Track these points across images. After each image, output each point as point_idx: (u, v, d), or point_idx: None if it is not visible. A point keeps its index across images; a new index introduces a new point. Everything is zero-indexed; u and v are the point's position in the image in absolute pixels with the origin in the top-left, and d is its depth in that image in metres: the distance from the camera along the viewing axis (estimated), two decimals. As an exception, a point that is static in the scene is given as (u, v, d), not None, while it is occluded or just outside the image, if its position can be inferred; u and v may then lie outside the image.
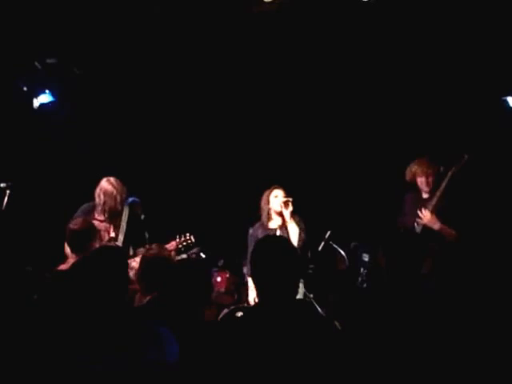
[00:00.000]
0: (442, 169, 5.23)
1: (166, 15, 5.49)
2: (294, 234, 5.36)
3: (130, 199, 5.59)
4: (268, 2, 4.72)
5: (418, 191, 5.35)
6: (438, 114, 6.31)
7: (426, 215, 5.12)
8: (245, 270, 5.95)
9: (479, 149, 5.78)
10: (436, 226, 5.08)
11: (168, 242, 5.36)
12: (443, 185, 5.09)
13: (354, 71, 6.22)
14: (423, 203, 5.23)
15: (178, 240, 5.38)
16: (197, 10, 5.38)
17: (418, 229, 5.16)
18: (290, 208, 5.35)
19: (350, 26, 5.47)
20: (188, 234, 5.43)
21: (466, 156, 5.09)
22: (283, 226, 5.40)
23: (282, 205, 5.37)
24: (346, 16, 5.28)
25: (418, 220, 5.15)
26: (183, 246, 5.40)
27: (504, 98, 6.00)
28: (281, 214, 5.41)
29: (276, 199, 5.42)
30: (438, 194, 5.11)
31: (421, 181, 5.27)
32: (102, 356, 2.65)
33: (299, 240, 5.29)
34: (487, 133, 6.09)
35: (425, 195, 5.30)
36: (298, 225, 5.31)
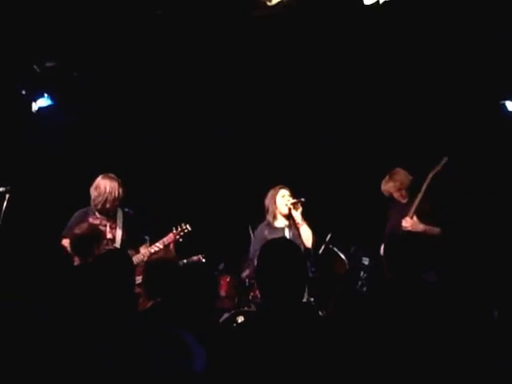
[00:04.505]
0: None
1: (167, 19, 5.48)
2: (307, 236, 5.39)
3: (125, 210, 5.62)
4: (271, 6, 4.72)
5: (396, 200, 5.60)
6: (438, 119, 6.36)
7: (407, 221, 5.25)
8: (244, 274, 5.92)
9: (476, 151, 5.89)
10: (420, 227, 5.22)
11: (166, 235, 5.39)
12: (423, 188, 5.27)
13: (357, 75, 6.25)
14: (403, 208, 5.40)
15: (175, 231, 5.39)
16: (200, 13, 5.38)
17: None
18: (300, 209, 5.36)
19: (352, 30, 5.50)
20: (184, 224, 5.44)
21: (446, 158, 5.26)
22: (291, 226, 5.41)
23: (291, 206, 5.37)
24: (349, 20, 5.31)
25: (404, 227, 5.27)
26: (181, 236, 5.40)
27: (502, 102, 6.04)
28: (287, 215, 5.42)
29: (283, 199, 5.43)
30: (418, 196, 5.28)
31: (397, 195, 5.55)
32: (130, 361, 2.64)
33: (312, 242, 5.33)
34: (486, 136, 6.15)
35: (403, 201, 5.52)
36: (311, 227, 5.34)
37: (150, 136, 7.05)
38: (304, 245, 5.37)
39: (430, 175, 5.26)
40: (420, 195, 5.27)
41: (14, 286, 3.78)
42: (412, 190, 5.46)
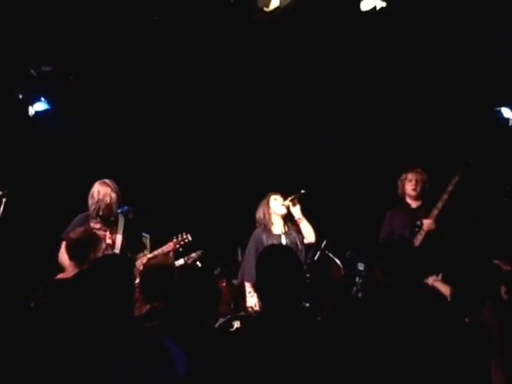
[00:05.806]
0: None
1: (165, 23, 5.50)
2: (309, 231, 5.39)
3: (124, 208, 5.58)
4: (269, 11, 4.74)
5: (405, 205, 5.41)
6: (434, 126, 6.38)
7: (427, 222, 5.12)
8: (239, 275, 5.90)
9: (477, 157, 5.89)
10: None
11: (165, 243, 5.38)
12: (449, 189, 5.10)
13: (355, 80, 6.28)
14: (415, 213, 5.28)
15: (175, 240, 5.38)
16: (198, 18, 5.40)
17: (416, 241, 5.14)
18: (299, 205, 5.36)
19: (349, 36, 5.53)
20: (185, 233, 5.43)
21: (471, 161, 5.14)
22: (287, 233, 5.41)
23: (290, 204, 5.37)
24: (346, 25, 5.34)
25: (421, 228, 5.15)
26: (181, 245, 5.39)
27: (497, 108, 6.06)
28: (283, 217, 5.41)
29: (276, 202, 5.43)
30: (443, 198, 5.11)
31: (408, 186, 5.33)
32: (112, 368, 2.62)
33: (315, 237, 5.33)
34: (482, 143, 6.16)
35: (413, 204, 5.34)
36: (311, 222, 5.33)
37: (148, 140, 7.05)
38: (303, 241, 5.40)
39: (456, 178, 5.10)
40: (445, 197, 5.10)
41: (12, 288, 3.78)
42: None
